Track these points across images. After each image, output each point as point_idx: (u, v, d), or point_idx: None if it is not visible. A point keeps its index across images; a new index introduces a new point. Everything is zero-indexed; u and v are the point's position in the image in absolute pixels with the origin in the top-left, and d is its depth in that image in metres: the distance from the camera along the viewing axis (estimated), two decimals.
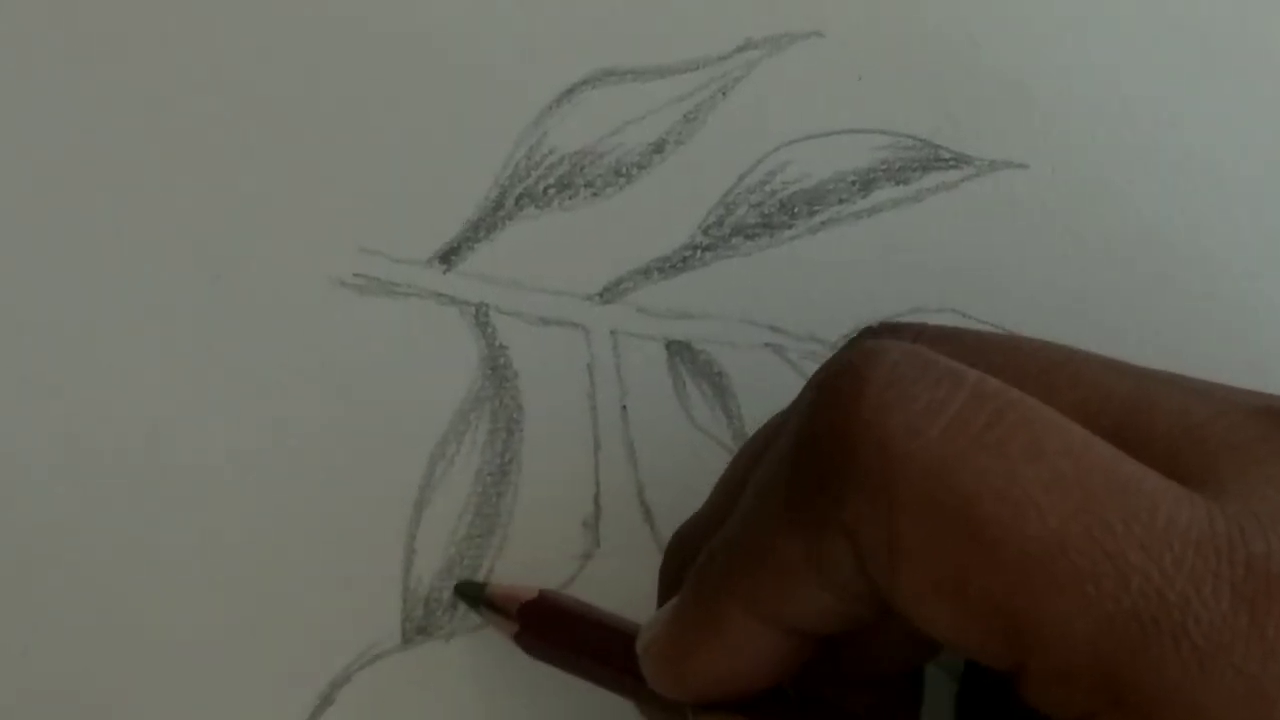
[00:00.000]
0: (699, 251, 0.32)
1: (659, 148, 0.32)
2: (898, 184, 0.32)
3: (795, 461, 0.22)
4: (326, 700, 0.30)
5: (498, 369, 0.32)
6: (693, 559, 0.24)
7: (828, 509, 0.21)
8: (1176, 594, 0.19)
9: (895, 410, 0.20)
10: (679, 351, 0.32)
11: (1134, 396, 0.23)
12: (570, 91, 0.32)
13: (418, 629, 0.31)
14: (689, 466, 0.31)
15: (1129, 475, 0.20)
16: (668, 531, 0.31)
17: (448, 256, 0.32)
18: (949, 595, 0.20)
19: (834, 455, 0.21)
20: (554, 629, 0.28)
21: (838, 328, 0.32)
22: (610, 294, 0.32)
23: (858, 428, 0.21)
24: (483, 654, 0.31)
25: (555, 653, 0.28)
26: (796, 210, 0.32)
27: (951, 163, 0.32)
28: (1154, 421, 0.22)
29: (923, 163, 0.32)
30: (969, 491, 0.20)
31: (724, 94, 0.33)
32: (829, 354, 0.32)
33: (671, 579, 0.27)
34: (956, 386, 0.21)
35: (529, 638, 0.29)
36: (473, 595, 0.30)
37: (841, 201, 0.32)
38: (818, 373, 0.22)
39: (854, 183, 0.32)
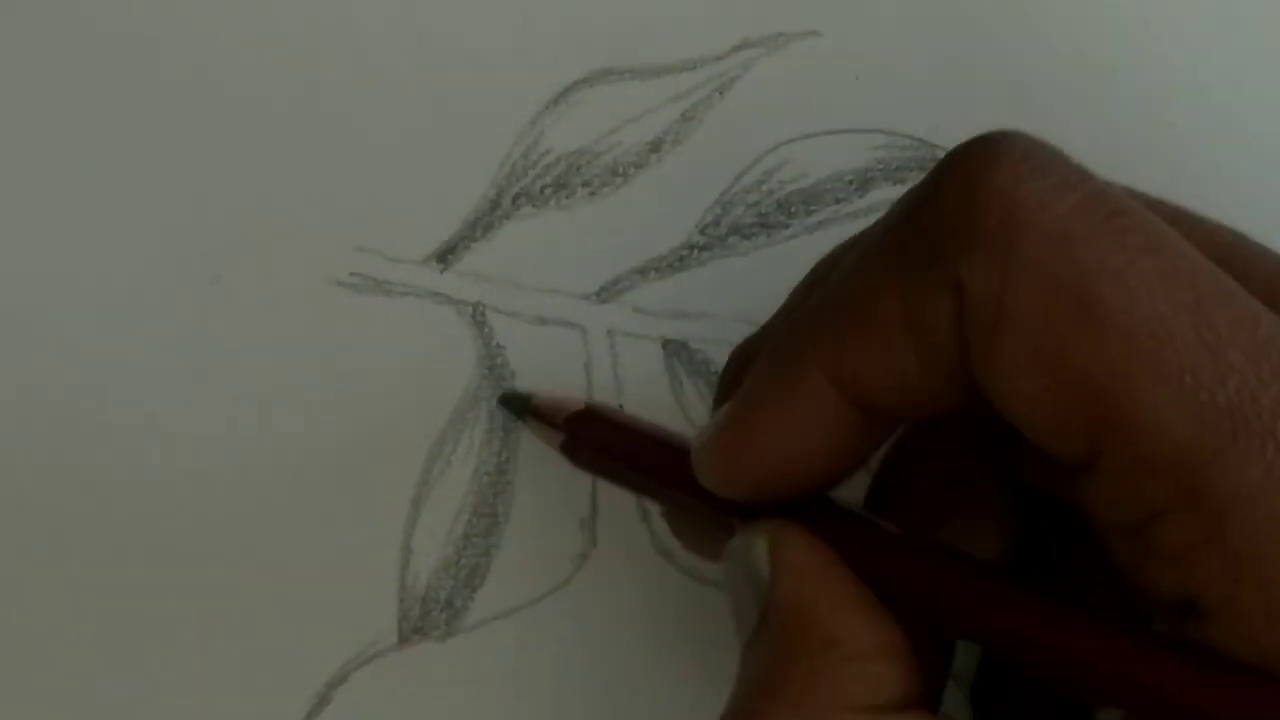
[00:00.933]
0: (696, 251, 0.32)
1: (656, 147, 0.32)
2: (895, 184, 0.32)
3: (913, 216, 0.22)
4: (323, 700, 0.30)
5: (495, 368, 0.32)
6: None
7: (940, 262, 0.21)
8: (1270, 400, 0.19)
9: (1027, 181, 0.21)
10: (676, 351, 0.32)
11: (1237, 244, 0.24)
12: (567, 91, 0.32)
13: (414, 629, 0.31)
14: None
15: (1236, 289, 0.21)
16: (665, 531, 0.31)
17: (445, 256, 0.32)
18: (1046, 366, 0.20)
19: (959, 212, 0.21)
20: (600, 437, 0.28)
21: None
22: (607, 293, 0.32)
23: (987, 190, 0.21)
24: (479, 654, 0.31)
25: (601, 462, 0.28)
26: (794, 210, 0.32)
27: None
28: (1250, 264, 0.23)
29: (920, 162, 0.32)
30: (1088, 268, 0.20)
31: (721, 94, 0.33)
32: None
33: (730, 386, 0.26)
34: (1084, 179, 0.22)
35: (575, 446, 0.28)
36: (518, 406, 0.30)
37: (839, 201, 0.32)
38: (949, 151, 0.23)
39: (851, 182, 0.32)
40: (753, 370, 0.24)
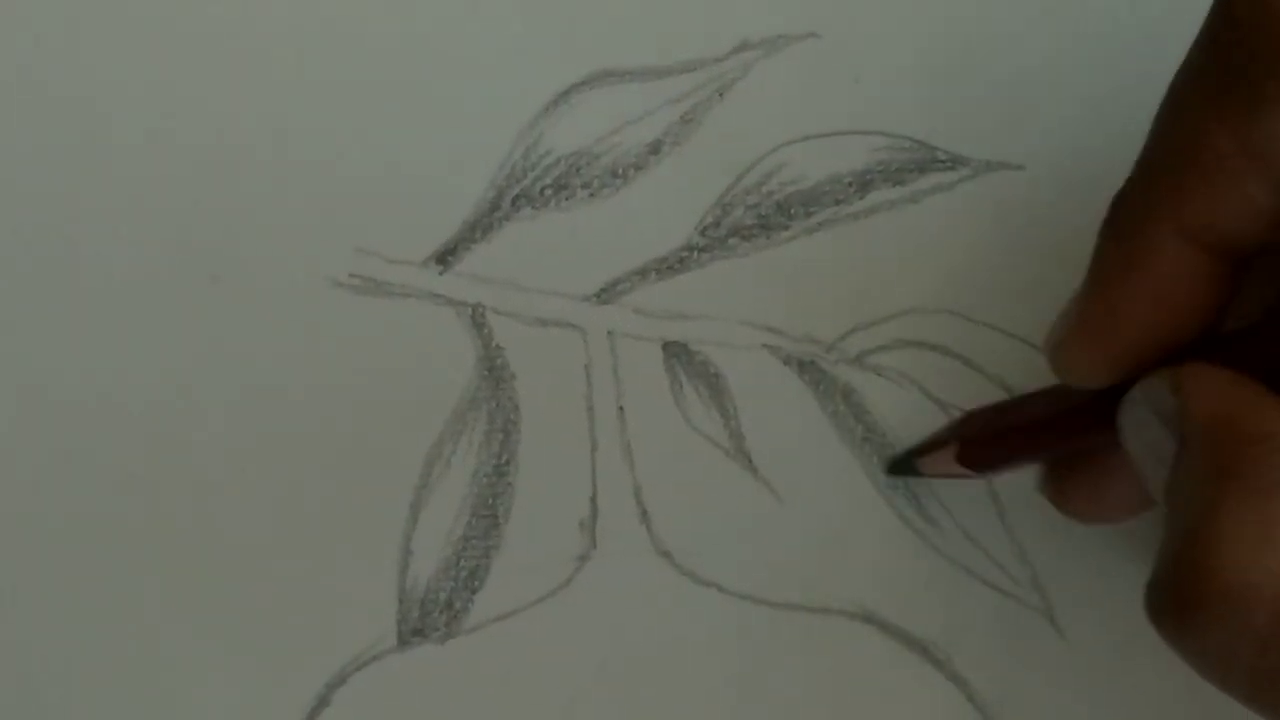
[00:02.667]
0: (696, 253, 0.32)
1: (656, 149, 0.32)
2: (894, 185, 0.32)
3: (1216, 46, 0.22)
4: (323, 701, 0.30)
5: (494, 370, 0.32)
6: None
7: (1262, 79, 0.21)
8: None
9: None
10: (676, 352, 0.32)
11: None
12: (567, 92, 0.32)
13: (414, 630, 0.31)
14: (686, 468, 0.31)
15: None
16: (664, 532, 0.31)
17: (444, 257, 0.32)
18: None
19: (1262, 25, 0.21)
20: (986, 432, 0.29)
21: (834, 329, 0.32)
22: (607, 295, 0.32)
23: None
24: (479, 656, 0.31)
25: (995, 455, 0.29)
26: (793, 211, 0.32)
27: (948, 164, 0.32)
28: None
29: (919, 164, 0.32)
30: None
31: (721, 95, 0.33)
32: (826, 356, 0.32)
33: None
34: None
35: (970, 454, 0.29)
36: (906, 466, 0.30)
37: (838, 203, 0.32)
38: None
39: (850, 184, 0.32)
40: (1096, 249, 0.23)
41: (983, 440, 0.29)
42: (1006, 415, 0.29)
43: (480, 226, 0.32)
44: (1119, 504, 0.28)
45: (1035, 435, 0.28)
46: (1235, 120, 0.21)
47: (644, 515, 0.31)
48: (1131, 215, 0.23)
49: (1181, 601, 0.21)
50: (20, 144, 0.32)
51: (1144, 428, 0.23)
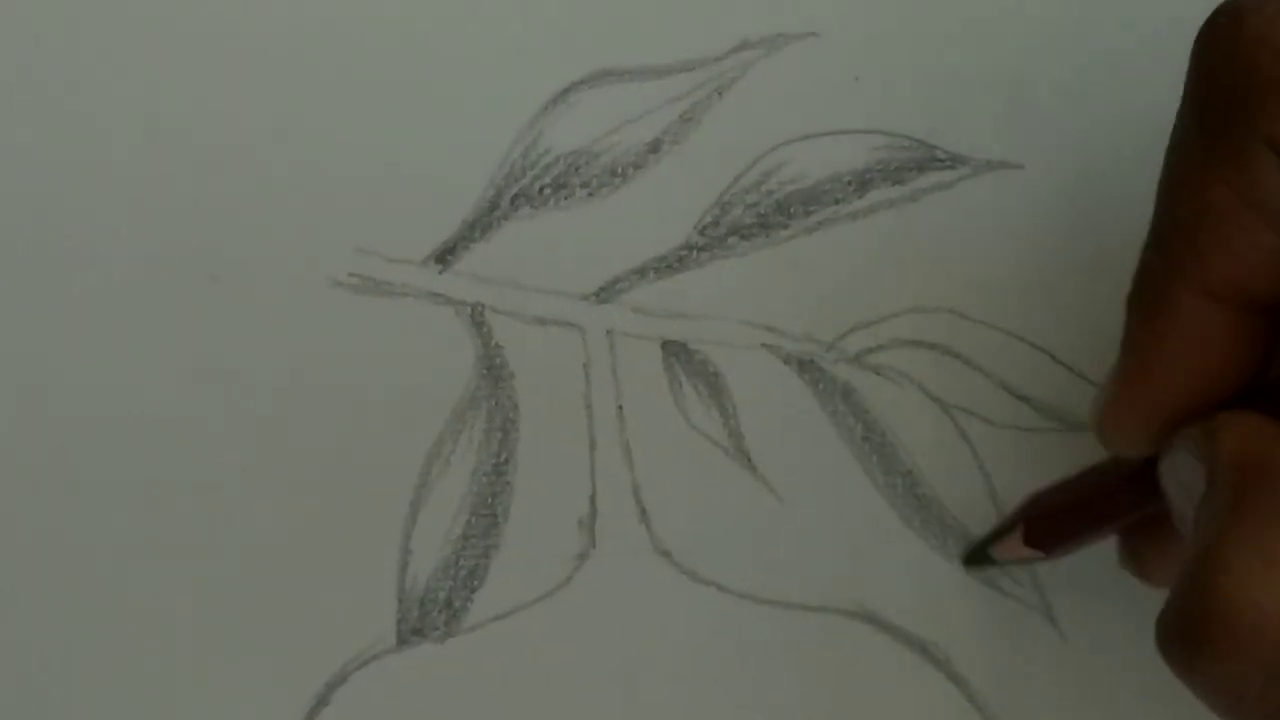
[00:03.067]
0: (695, 252, 0.32)
1: (655, 148, 0.32)
2: (894, 184, 0.32)
3: (1195, 108, 0.22)
4: (322, 700, 0.30)
5: (493, 369, 0.32)
6: None
7: (1243, 130, 0.21)
8: None
9: (1277, 21, 0.21)
10: (675, 352, 0.32)
11: None
12: (566, 91, 0.32)
13: (413, 630, 0.31)
14: (685, 467, 0.31)
15: None
16: (664, 532, 0.31)
17: (443, 256, 0.32)
18: None
19: (1235, 78, 0.21)
20: (1052, 518, 0.29)
21: (834, 328, 0.32)
22: (606, 294, 0.32)
23: (1251, 47, 0.21)
24: (478, 655, 0.31)
25: (1062, 531, 0.29)
26: (792, 210, 0.32)
27: (947, 163, 0.32)
28: None
29: (919, 163, 0.32)
30: None
31: (720, 94, 0.33)
32: (825, 355, 0.32)
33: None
34: None
35: (1038, 536, 0.29)
36: (982, 555, 0.31)
37: (837, 202, 0.32)
38: (1196, 39, 0.23)
39: (850, 183, 0.32)
40: (1126, 322, 0.24)
41: (1045, 521, 0.29)
42: (1067, 492, 0.29)
43: (479, 226, 0.32)
44: None
45: (1094, 510, 0.28)
46: (1227, 174, 0.21)
47: (643, 514, 0.31)
48: (1153, 284, 0.23)
49: (1190, 631, 0.21)
50: (20, 144, 0.32)
51: (1179, 469, 0.23)
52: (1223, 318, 0.23)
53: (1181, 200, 0.22)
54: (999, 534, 0.30)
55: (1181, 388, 0.23)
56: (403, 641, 0.31)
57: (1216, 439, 0.22)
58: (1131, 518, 0.28)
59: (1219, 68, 0.22)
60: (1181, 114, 0.23)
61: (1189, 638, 0.21)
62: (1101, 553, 0.31)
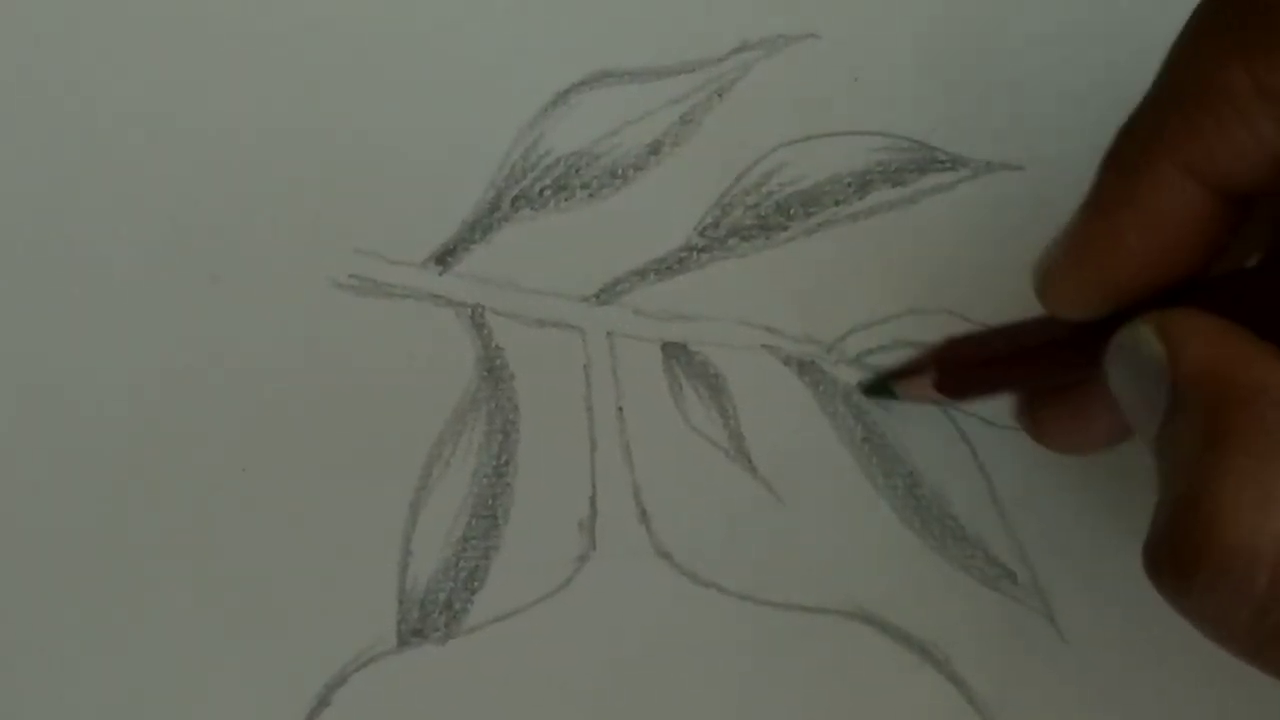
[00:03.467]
0: (695, 253, 0.32)
1: (655, 149, 0.32)
2: (894, 186, 0.32)
3: None
4: (322, 702, 0.30)
5: (494, 370, 0.32)
6: None
7: None
8: None
9: None
10: (675, 353, 0.32)
11: None
12: (566, 93, 0.32)
13: (413, 631, 0.31)
14: (685, 468, 0.31)
15: None
16: (664, 533, 0.31)
17: (444, 258, 0.32)
18: None
19: None
20: (963, 359, 0.29)
21: (834, 329, 0.32)
22: (606, 295, 0.32)
23: None
24: (478, 656, 0.31)
25: (972, 382, 0.29)
26: (793, 212, 0.32)
27: (947, 164, 0.32)
28: None
29: (919, 164, 0.32)
30: None
31: (720, 96, 0.33)
32: (825, 356, 0.32)
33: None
34: None
35: (948, 381, 0.29)
36: (881, 387, 0.30)
37: (838, 203, 0.32)
38: None
39: (850, 184, 0.32)
40: (1096, 178, 0.23)
41: (962, 367, 0.29)
42: (988, 344, 0.29)
43: (480, 227, 0.32)
44: (1096, 437, 0.28)
45: (1016, 366, 0.27)
46: (1253, 59, 0.21)
47: (643, 516, 0.31)
48: (1135, 147, 0.23)
49: (1181, 563, 0.21)
50: (20, 144, 0.32)
51: (1134, 376, 0.23)
52: (1197, 197, 0.22)
53: (1193, 71, 0.22)
54: (908, 372, 0.30)
55: (1140, 258, 0.23)
56: (403, 643, 0.31)
57: (1181, 346, 0.22)
58: (1051, 381, 0.27)
59: None
60: (1206, 2, 0.22)
61: (1180, 569, 0.21)
62: (1101, 553, 0.31)
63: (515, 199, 0.32)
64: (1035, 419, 0.28)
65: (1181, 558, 0.21)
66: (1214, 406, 0.21)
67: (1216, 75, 0.22)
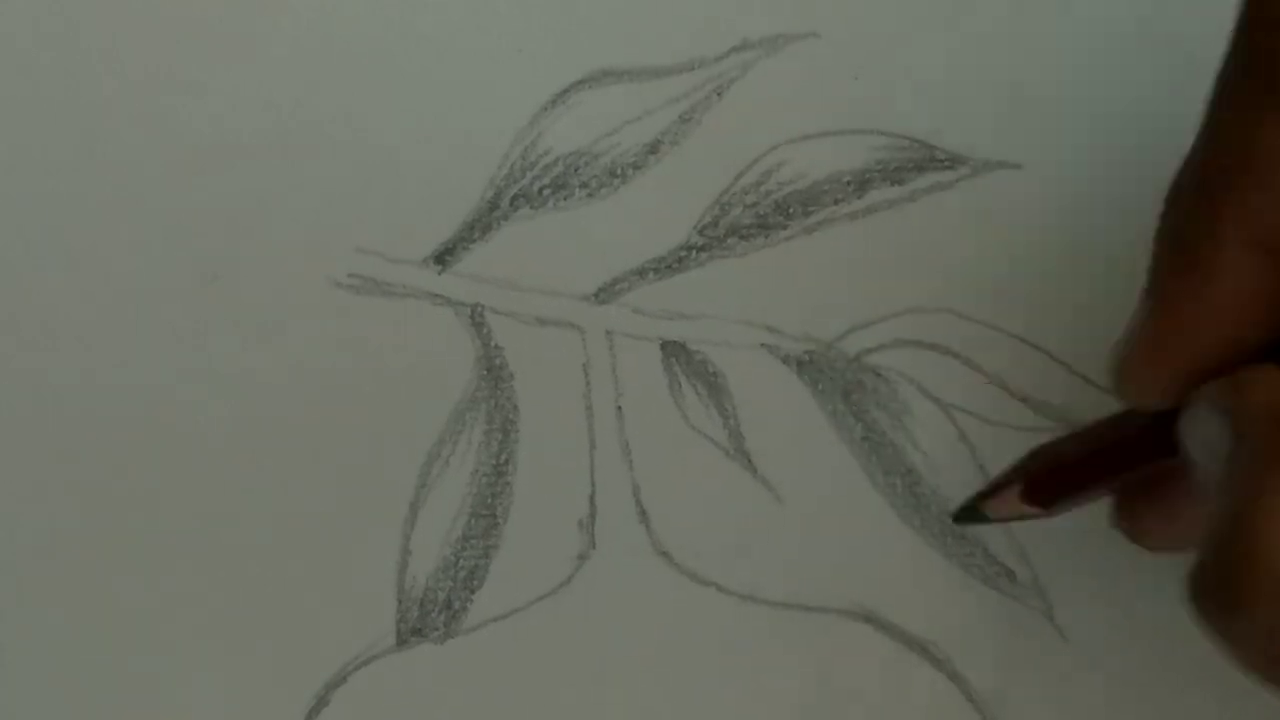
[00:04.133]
0: (694, 252, 0.32)
1: (654, 148, 0.32)
2: (893, 184, 0.32)
3: (1252, 44, 0.21)
4: (322, 701, 0.30)
5: (493, 369, 0.32)
6: None
7: None
8: None
9: None
10: (674, 352, 0.32)
11: None
12: (565, 92, 0.32)
13: (413, 630, 0.31)
14: (684, 467, 0.31)
15: None
16: (663, 532, 0.31)
17: (443, 257, 0.32)
18: None
19: None
20: (1053, 467, 0.28)
21: (833, 328, 0.32)
22: (605, 294, 0.32)
23: None
24: (478, 655, 0.31)
25: (1061, 488, 0.28)
26: (792, 211, 0.32)
27: (947, 163, 0.32)
28: None
29: (918, 163, 0.32)
30: None
31: (719, 94, 0.33)
32: (825, 355, 0.32)
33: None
34: None
35: (1036, 493, 0.28)
36: (971, 513, 0.30)
37: (837, 202, 0.32)
38: None
39: (849, 183, 0.32)
40: (1155, 259, 0.23)
41: (1047, 475, 0.28)
42: (1069, 447, 0.28)
43: (479, 226, 0.32)
44: (1191, 528, 0.27)
45: (1100, 464, 0.27)
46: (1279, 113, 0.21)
47: (643, 515, 0.31)
48: (1193, 223, 0.22)
49: (1226, 586, 0.20)
50: (20, 143, 0.32)
51: (1202, 425, 0.23)
52: (1265, 272, 0.21)
53: (1235, 135, 0.21)
54: (994, 490, 0.29)
55: (1212, 339, 0.22)
56: (402, 642, 0.31)
57: (1246, 391, 0.21)
58: (1137, 474, 0.27)
59: (1274, 5, 0.21)
60: (1230, 58, 0.22)
61: (1224, 592, 0.20)
62: (1101, 553, 0.31)
63: (514, 198, 0.32)
64: (1131, 521, 0.28)
65: (1226, 579, 0.20)
66: (1271, 435, 0.21)
67: (1250, 136, 0.21)
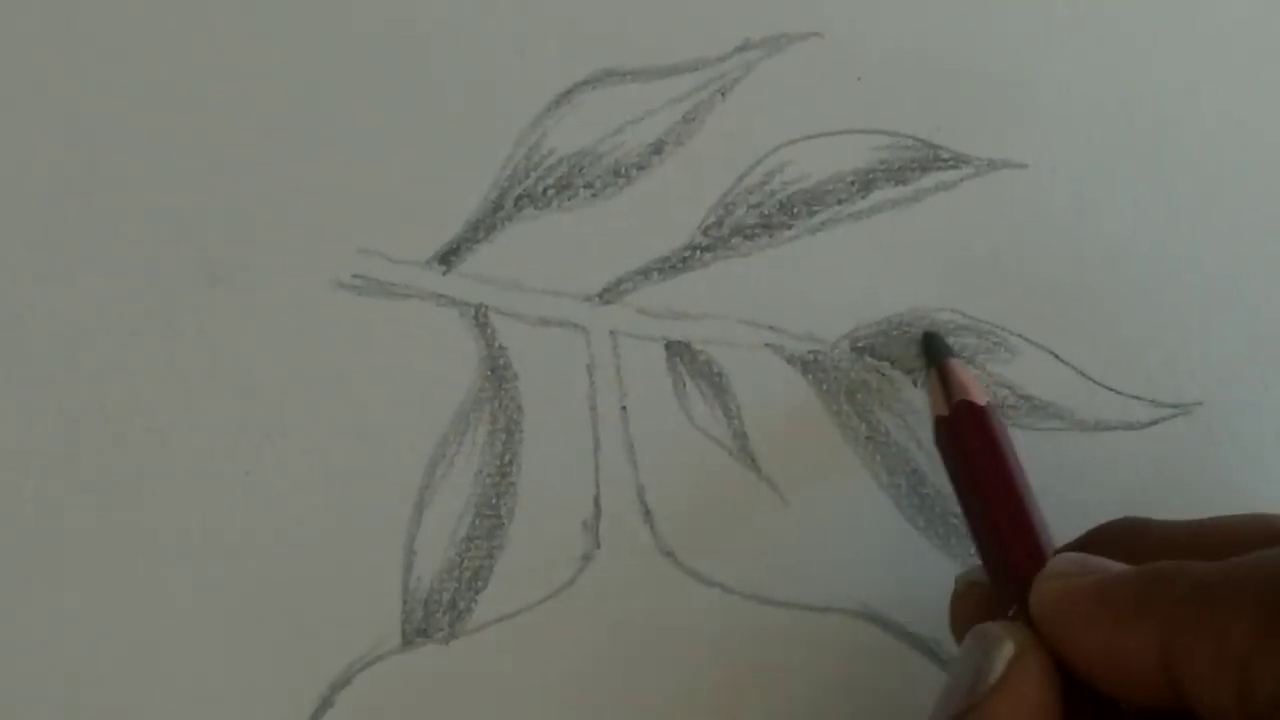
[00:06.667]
0: (698, 252, 0.32)
1: (658, 148, 0.32)
2: (897, 184, 0.32)
3: None
4: (327, 702, 0.30)
5: (497, 370, 0.32)
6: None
7: None
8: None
9: None
10: (678, 352, 0.32)
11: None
12: (569, 92, 0.32)
13: (418, 631, 0.31)
14: (689, 467, 0.31)
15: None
16: (667, 532, 0.31)
17: (447, 257, 0.32)
18: None
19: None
20: (969, 437, 0.29)
21: (837, 328, 0.32)
22: (610, 295, 0.32)
23: None
24: (482, 656, 0.31)
25: (956, 456, 0.29)
26: (795, 211, 0.32)
27: (950, 162, 0.32)
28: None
29: (922, 163, 0.32)
30: None
31: (723, 95, 0.33)
32: (829, 355, 0.32)
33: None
34: None
35: (948, 431, 0.29)
36: (938, 351, 0.31)
37: (840, 202, 0.32)
38: None
39: (853, 183, 0.32)
40: (1136, 587, 0.24)
41: (958, 439, 0.29)
42: (986, 453, 0.29)
43: (483, 227, 0.32)
44: None
45: (975, 508, 0.28)
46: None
47: (647, 515, 0.31)
48: (1165, 606, 0.24)
49: None
50: (20, 143, 0.32)
51: (966, 662, 0.26)
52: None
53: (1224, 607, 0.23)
54: (950, 372, 0.30)
55: (1091, 654, 0.25)
56: (407, 642, 0.31)
57: (1001, 686, 0.25)
58: None
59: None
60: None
61: None
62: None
63: (518, 198, 0.32)
64: None
65: None
66: None
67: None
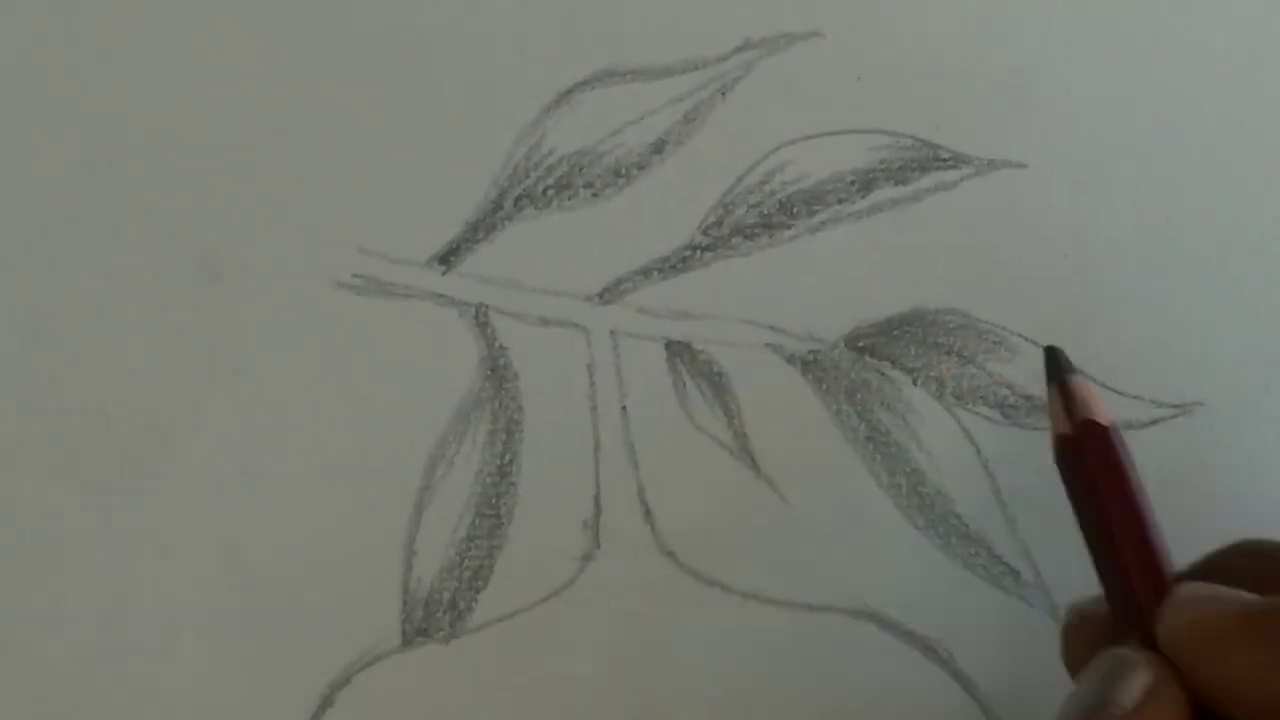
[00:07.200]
0: (698, 252, 0.32)
1: (658, 148, 0.32)
2: (897, 184, 0.32)
3: None
4: (326, 701, 0.30)
5: (497, 370, 0.32)
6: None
7: None
8: None
9: None
10: (679, 351, 0.32)
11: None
12: (569, 92, 0.32)
13: (418, 630, 0.31)
14: (689, 466, 0.31)
15: None
16: (668, 531, 0.31)
17: (447, 257, 0.32)
18: None
19: None
20: (1096, 459, 0.28)
21: (837, 327, 0.32)
22: (610, 294, 0.32)
23: None
24: (483, 655, 0.31)
25: (1082, 479, 0.28)
26: (796, 210, 0.32)
27: (950, 162, 0.32)
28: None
29: (921, 162, 0.32)
30: None
31: (723, 94, 0.33)
32: (829, 354, 0.32)
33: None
34: None
35: (1072, 451, 0.28)
36: (1061, 367, 0.29)
37: (840, 201, 0.32)
38: None
39: (853, 183, 0.32)
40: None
41: (1079, 463, 0.28)
42: (1109, 480, 0.28)
43: (483, 226, 0.32)
44: None
45: (1095, 537, 0.28)
46: None
47: (647, 514, 0.31)
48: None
49: None
50: (20, 143, 0.32)
51: (1091, 684, 0.25)
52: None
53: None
54: (1075, 390, 0.29)
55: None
56: (407, 642, 0.31)
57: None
58: None
59: None
60: None
61: None
62: None
63: (518, 198, 0.32)
64: None
65: None
66: None
67: None
